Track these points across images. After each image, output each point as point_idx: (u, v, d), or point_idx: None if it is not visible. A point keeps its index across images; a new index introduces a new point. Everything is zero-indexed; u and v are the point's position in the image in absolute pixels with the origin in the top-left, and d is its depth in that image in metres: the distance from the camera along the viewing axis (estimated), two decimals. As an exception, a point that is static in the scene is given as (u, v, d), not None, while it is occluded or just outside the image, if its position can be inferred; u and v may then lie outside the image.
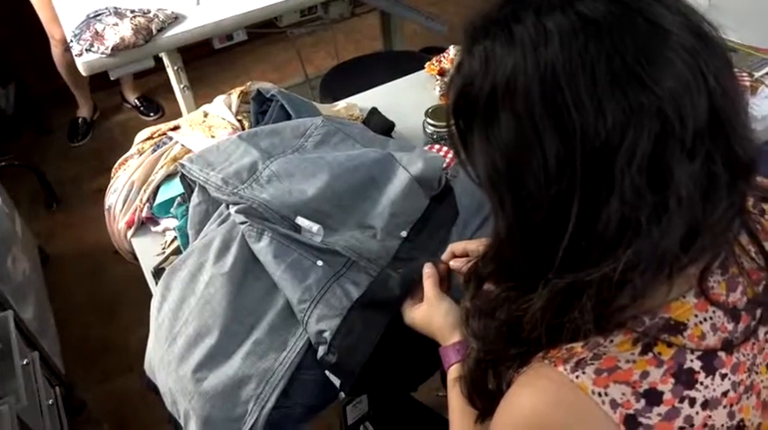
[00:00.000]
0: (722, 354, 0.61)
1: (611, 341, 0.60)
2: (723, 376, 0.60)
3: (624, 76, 0.54)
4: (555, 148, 0.55)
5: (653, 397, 0.58)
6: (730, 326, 0.62)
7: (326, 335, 0.96)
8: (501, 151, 0.59)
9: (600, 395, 0.58)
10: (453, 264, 0.99)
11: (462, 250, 0.99)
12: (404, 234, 1.11)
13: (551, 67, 0.55)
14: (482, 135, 0.61)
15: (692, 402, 0.59)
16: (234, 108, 1.42)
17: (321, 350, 0.96)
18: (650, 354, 0.59)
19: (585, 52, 0.54)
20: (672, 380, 0.59)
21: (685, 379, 0.59)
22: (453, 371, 0.87)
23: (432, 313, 0.94)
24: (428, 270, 0.99)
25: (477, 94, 0.60)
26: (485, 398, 0.74)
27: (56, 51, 2.77)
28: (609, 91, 0.54)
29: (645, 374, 0.59)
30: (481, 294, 0.74)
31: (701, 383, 0.59)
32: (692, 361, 0.60)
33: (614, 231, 0.56)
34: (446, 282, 1.05)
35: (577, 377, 0.59)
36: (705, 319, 0.61)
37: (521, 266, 0.64)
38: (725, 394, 0.60)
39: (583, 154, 0.55)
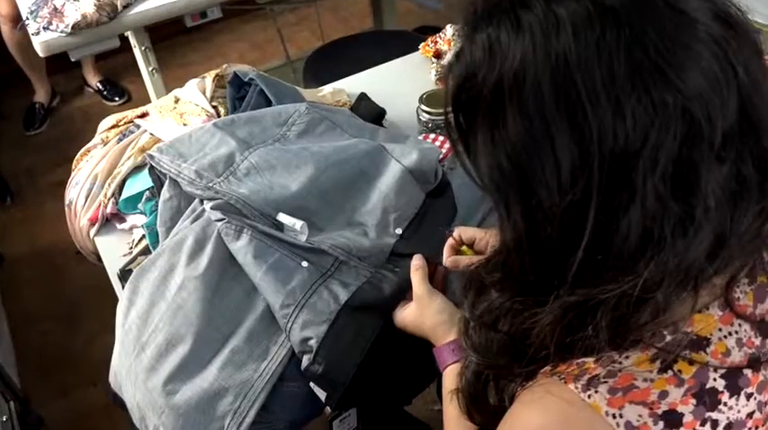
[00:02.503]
0: (748, 372, 0.61)
1: (628, 357, 0.60)
2: (749, 396, 0.60)
3: (646, 70, 0.53)
4: (568, 152, 0.54)
5: (672, 419, 0.58)
6: (757, 341, 0.62)
7: (312, 343, 0.97)
8: (508, 153, 0.58)
9: (614, 417, 0.57)
10: (448, 262, 1.00)
11: (470, 237, 1.00)
12: (398, 231, 1.12)
13: (564, 60, 0.54)
14: (486, 134, 0.59)
15: (715, 425, 0.59)
16: (208, 93, 1.42)
17: (306, 359, 0.97)
18: (670, 372, 0.59)
19: (602, 43, 0.53)
20: (693, 401, 0.58)
21: (708, 399, 0.59)
22: (450, 375, 0.88)
23: (423, 312, 0.95)
24: (417, 262, 1.01)
25: (481, 88, 0.59)
26: (484, 414, 0.74)
27: (4, 29, 2.75)
28: (629, 87, 0.53)
29: (664, 394, 0.58)
30: (482, 302, 0.74)
31: (725, 404, 0.59)
32: (715, 379, 0.59)
33: (635, 244, 0.55)
34: (443, 281, 1.06)
35: (590, 396, 0.59)
36: (730, 334, 0.61)
37: (529, 279, 0.63)
38: (750, 415, 0.61)
39: (600, 158, 0.54)
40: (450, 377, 0.89)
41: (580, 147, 0.54)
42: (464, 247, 1.03)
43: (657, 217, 0.54)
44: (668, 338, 0.60)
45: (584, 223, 0.55)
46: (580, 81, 0.53)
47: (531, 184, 0.57)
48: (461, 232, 1.02)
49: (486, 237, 1.02)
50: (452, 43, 1.62)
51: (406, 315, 0.98)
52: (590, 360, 0.61)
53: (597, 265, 0.57)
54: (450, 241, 1.03)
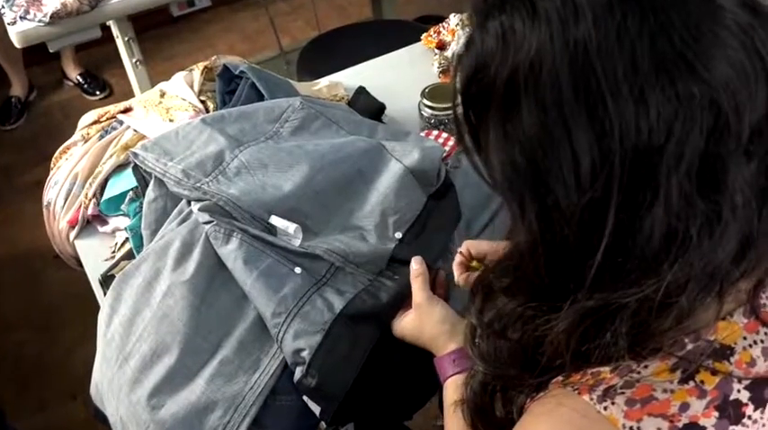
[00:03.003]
0: None
1: (646, 367, 0.60)
2: None
3: (670, 59, 0.53)
4: (588, 147, 0.54)
5: None
6: None
7: (305, 354, 0.97)
8: (522, 149, 0.58)
9: None
10: (461, 280, 1.00)
11: (481, 251, 1.00)
12: (398, 235, 1.12)
13: (583, 48, 0.53)
14: (499, 129, 0.59)
15: None
16: (196, 87, 1.42)
17: (299, 372, 0.97)
18: (691, 383, 0.59)
19: (624, 30, 0.53)
20: (716, 414, 0.58)
21: (731, 412, 0.59)
22: (451, 387, 0.88)
23: (423, 320, 0.96)
24: (416, 267, 1.01)
25: (494, 80, 0.58)
26: (491, 427, 0.74)
27: (-23, 18, 2.75)
28: (652, 78, 0.53)
29: (685, 406, 0.58)
30: (490, 308, 0.73)
31: (750, 417, 0.59)
32: (739, 391, 0.59)
33: (658, 245, 0.55)
34: (444, 287, 1.05)
35: (606, 408, 0.59)
36: (755, 342, 0.61)
37: (544, 283, 0.63)
38: None
39: (621, 153, 0.53)
40: (452, 389, 0.89)
41: (600, 142, 0.54)
42: (474, 263, 1.02)
43: (682, 215, 0.54)
44: (690, 347, 0.60)
45: (604, 223, 0.55)
46: (600, 71, 0.53)
47: (547, 182, 0.57)
48: (470, 246, 1.02)
49: (499, 250, 1.01)
50: (456, 33, 1.62)
51: (405, 324, 0.98)
52: (606, 369, 0.61)
53: (618, 268, 0.57)
54: (458, 258, 1.02)
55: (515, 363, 0.69)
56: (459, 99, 0.64)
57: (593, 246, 0.56)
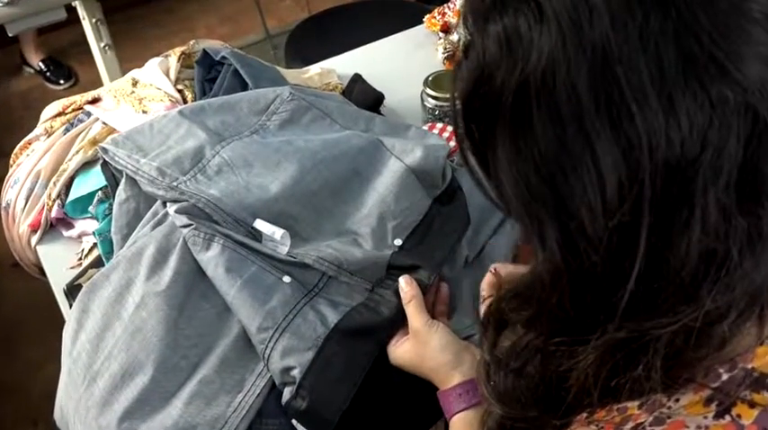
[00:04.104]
0: None
1: (677, 400, 0.60)
2: None
3: (700, 61, 0.52)
4: (613, 164, 0.54)
5: None
6: None
7: (295, 373, 0.97)
8: (538, 169, 0.57)
9: None
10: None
11: (510, 273, 0.99)
12: (398, 242, 1.12)
13: (602, 53, 0.53)
14: (509, 147, 0.59)
15: None
16: (172, 74, 1.43)
17: (287, 392, 0.97)
18: (728, 417, 0.58)
19: (646, 31, 0.52)
20: None
21: None
22: (458, 425, 0.88)
23: (422, 349, 0.96)
24: (407, 288, 1.01)
25: (500, 92, 0.57)
26: None
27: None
28: (681, 82, 0.52)
29: None
30: (503, 342, 0.73)
31: None
32: None
33: (696, 267, 0.55)
34: (446, 302, 1.05)
35: None
36: None
37: (568, 315, 0.62)
38: None
39: (652, 169, 0.53)
40: (460, 426, 0.89)
41: (627, 158, 0.53)
42: None
43: (721, 233, 0.54)
44: (725, 377, 0.59)
45: (636, 247, 0.55)
46: (623, 78, 0.52)
47: (568, 206, 0.56)
48: (501, 269, 1.01)
49: (516, 275, 0.99)
50: (461, 43, 1.63)
51: (403, 353, 0.98)
52: (633, 404, 0.61)
53: (651, 295, 0.57)
54: (489, 278, 1.01)
55: (537, 404, 0.68)
56: (461, 116, 0.64)
57: (624, 273, 0.56)
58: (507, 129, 0.59)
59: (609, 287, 0.57)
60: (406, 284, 1.01)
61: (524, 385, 0.70)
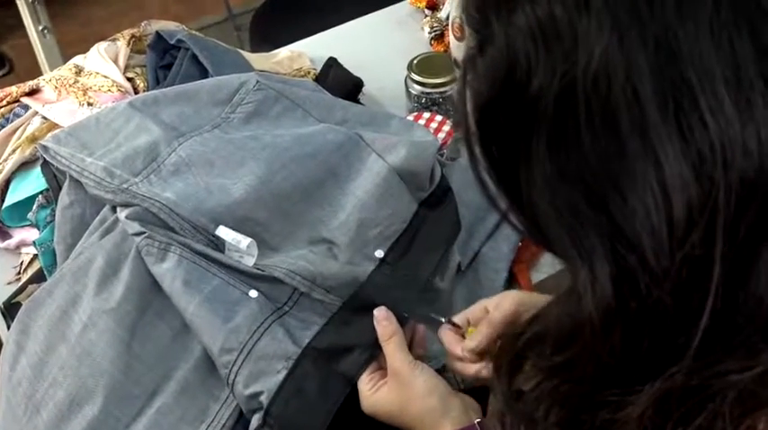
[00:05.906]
0: None
1: None
2: None
3: None
4: (681, 182, 0.51)
5: None
6: None
7: (263, 398, 0.97)
8: (588, 191, 0.55)
9: None
10: (458, 369, 0.98)
11: (476, 318, 0.99)
12: (379, 254, 1.11)
13: (667, 50, 0.51)
14: (549, 164, 0.56)
15: None
16: (122, 61, 1.43)
17: (255, 420, 0.97)
18: None
19: (717, 23, 0.51)
20: None
21: None
22: None
23: (404, 393, 0.94)
24: (384, 323, 0.98)
25: (537, 99, 0.55)
26: None
27: None
28: (760, 83, 0.50)
29: None
30: (516, 386, 0.70)
31: None
32: None
33: None
34: (423, 346, 1.03)
35: None
36: None
37: (618, 361, 0.59)
38: None
39: (726, 187, 0.51)
40: None
41: (698, 174, 0.51)
42: (470, 329, 1.00)
43: None
44: None
45: (708, 278, 0.53)
46: (696, 81, 0.51)
47: (626, 234, 0.54)
48: (462, 317, 1.00)
49: (500, 316, 0.97)
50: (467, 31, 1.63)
51: (379, 398, 0.96)
52: None
53: (725, 335, 0.55)
54: (448, 335, 1.00)
55: None
56: (476, 133, 0.61)
57: (693, 310, 0.54)
58: (545, 144, 0.56)
59: (674, 327, 0.55)
60: (383, 319, 0.99)
61: None
